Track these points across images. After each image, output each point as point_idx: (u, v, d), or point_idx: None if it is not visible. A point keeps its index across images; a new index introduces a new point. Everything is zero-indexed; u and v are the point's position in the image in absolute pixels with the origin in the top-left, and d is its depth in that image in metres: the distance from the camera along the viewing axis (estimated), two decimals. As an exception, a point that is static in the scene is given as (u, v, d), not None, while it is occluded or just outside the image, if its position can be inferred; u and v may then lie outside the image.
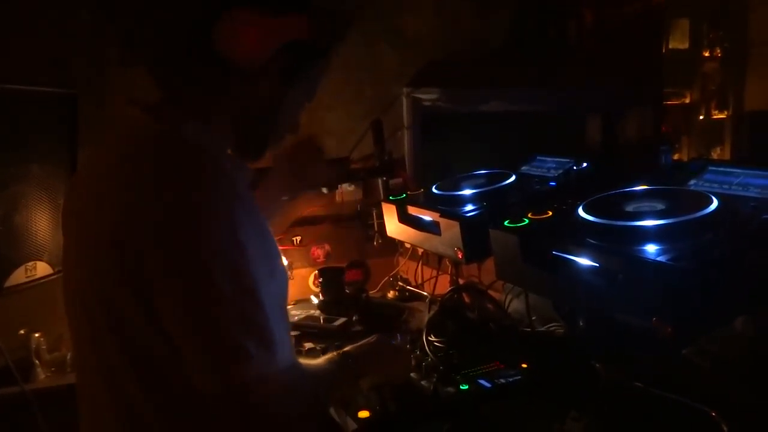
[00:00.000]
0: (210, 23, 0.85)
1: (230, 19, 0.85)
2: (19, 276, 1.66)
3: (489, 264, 1.33)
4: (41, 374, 1.87)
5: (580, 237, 1.04)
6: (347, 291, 2.00)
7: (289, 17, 0.89)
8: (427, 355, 1.40)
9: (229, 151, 0.99)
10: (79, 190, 0.95)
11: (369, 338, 1.19)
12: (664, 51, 3.86)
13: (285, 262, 2.12)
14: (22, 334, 1.87)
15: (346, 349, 1.11)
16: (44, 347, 1.91)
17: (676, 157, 4.12)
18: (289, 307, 1.80)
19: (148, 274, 0.79)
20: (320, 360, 1.07)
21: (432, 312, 1.60)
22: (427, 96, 2.41)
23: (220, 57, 0.86)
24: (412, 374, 1.31)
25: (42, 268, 1.71)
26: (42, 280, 1.71)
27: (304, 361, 0.98)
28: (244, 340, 0.78)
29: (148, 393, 0.86)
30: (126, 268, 0.80)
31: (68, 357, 1.91)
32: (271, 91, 0.94)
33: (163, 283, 0.79)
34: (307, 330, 1.69)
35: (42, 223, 1.72)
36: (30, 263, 1.69)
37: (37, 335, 1.88)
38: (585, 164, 1.54)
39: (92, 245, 0.86)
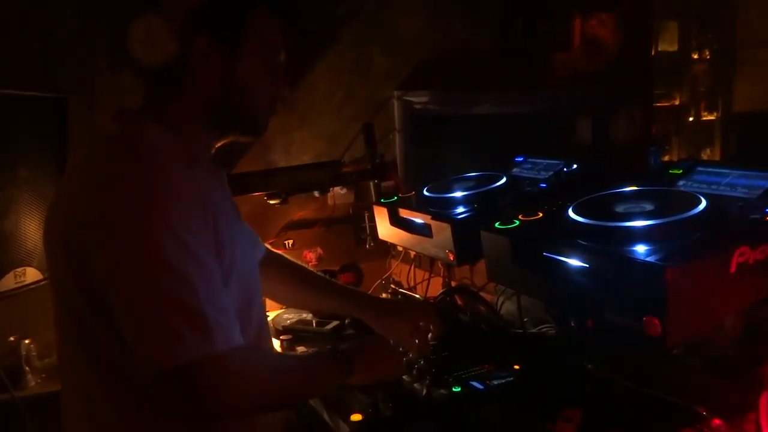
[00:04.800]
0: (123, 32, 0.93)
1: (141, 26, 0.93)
2: (8, 282, 1.65)
3: (481, 266, 1.34)
4: (31, 381, 1.86)
5: (571, 238, 1.05)
6: (339, 294, 1.99)
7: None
8: (420, 357, 1.40)
9: (215, 149, 1.06)
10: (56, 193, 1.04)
11: (364, 337, 1.18)
12: (653, 53, 3.88)
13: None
14: (12, 340, 1.86)
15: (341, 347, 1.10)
16: (34, 354, 1.90)
17: (666, 158, 4.14)
18: (281, 311, 1.81)
19: (93, 270, 0.87)
20: (303, 353, 1.09)
21: (424, 314, 1.59)
22: (418, 99, 2.41)
23: (137, 60, 0.94)
24: (404, 377, 1.31)
25: (32, 274, 1.70)
26: (32, 286, 1.70)
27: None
28: (177, 324, 0.83)
29: (99, 378, 0.95)
30: (73, 264, 0.90)
31: (58, 363, 1.90)
32: (214, 67, 0.97)
33: (106, 277, 0.87)
34: (299, 333, 1.69)
35: (31, 228, 1.71)
36: (19, 269, 1.68)
37: (27, 342, 1.87)
38: (575, 166, 1.54)
39: (52, 244, 0.95)
